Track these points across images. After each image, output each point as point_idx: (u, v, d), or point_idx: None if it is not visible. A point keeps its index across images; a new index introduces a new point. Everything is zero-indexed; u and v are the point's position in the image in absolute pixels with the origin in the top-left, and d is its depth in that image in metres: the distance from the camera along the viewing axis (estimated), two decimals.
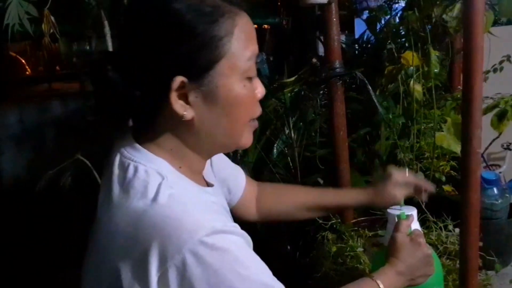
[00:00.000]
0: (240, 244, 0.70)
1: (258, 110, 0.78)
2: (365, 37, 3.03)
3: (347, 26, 6.81)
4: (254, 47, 0.73)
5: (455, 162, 1.94)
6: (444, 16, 1.82)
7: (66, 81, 7.48)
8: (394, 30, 2.40)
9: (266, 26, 6.86)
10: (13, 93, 6.33)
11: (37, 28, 2.31)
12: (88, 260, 0.76)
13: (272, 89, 2.01)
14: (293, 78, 1.87)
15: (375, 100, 1.71)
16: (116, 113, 0.76)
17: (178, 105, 0.70)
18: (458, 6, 1.76)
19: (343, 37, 6.61)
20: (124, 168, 0.72)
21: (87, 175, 2.41)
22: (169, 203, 0.68)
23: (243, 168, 1.32)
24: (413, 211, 1.09)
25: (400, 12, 2.77)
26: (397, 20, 2.76)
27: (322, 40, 2.04)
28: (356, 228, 1.67)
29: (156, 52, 0.66)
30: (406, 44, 2.40)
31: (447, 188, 1.89)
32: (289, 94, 2.08)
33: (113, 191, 0.72)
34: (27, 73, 9.55)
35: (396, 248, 0.93)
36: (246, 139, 0.78)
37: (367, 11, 2.94)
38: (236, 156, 2.17)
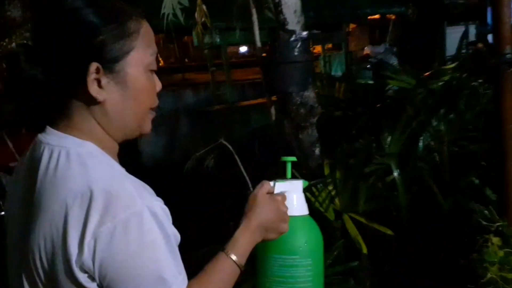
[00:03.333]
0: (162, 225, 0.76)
1: (156, 101, 0.86)
2: None
3: (477, 15, 6.18)
4: (154, 47, 0.84)
5: None
6: None
7: (198, 71, 7.85)
8: None
9: (389, 16, 6.49)
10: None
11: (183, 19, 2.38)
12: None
13: (423, 78, 1.81)
14: (453, 65, 1.66)
15: None
16: (32, 102, 0.83)
17: (92, 88, 0.76)
18: None
19: (473, 28, 6.01)
20: (53, 155, 0.77)
21: (228, 158, 2.45)
22: (110, 179, 0.74)
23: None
24: (296, 184, 0.97)
25: None
26: None
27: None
28: None
29: (76, 43, 0.76)
30: None
31: None
32: (439, 84, 1.86)
33: (46, 178, 0.76)
34: (160, 64, 10.22)
35: (252, 204, 0.92)
36: (147, 125, 0.85)
37: None
38: (380, 149, 2.02)
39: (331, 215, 2.05)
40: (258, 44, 2.13)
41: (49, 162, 0.76)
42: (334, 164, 2.07)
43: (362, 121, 2.12)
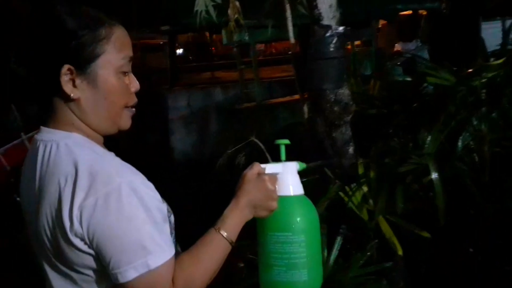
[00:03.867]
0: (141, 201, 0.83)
1: (132, 99, 0.93)
2: None
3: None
4: (127, 51, 0.90)
5: None
6: None
7: (226, 69, 7.86)
8: None
9: (421, 12, 6.29)
10: (182, 80, 6.84)
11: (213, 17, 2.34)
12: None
13: (464, 75, 1.72)
14: (500, 61, 1.56)
15: None
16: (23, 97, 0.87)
17: (66, 86, 0.85)
18: None
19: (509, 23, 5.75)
20: (47, 149, 0.87)
21: (259, 156, 2.42)
22: (92, 162, 0.83)
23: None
24: (289, 166, 0.98)
25: None
26: None
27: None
28: None
29: (51, 47, 0.86)
30: None
31: None
32: (481, 81, 1.76)
33: (42, 169, 0.86)
34: (190, 63, 10.25)
35: (241, 184, 0.95)
36: (125, 122, 0.92)
37: None
38: (416, 148, 1.94)
39: (365, 216, 1.98)
40: (292, 40, 2.07)
41: (43, 155, 0.87)
42: (368, 163, 2.00)
43: (398, 119, 2.03)
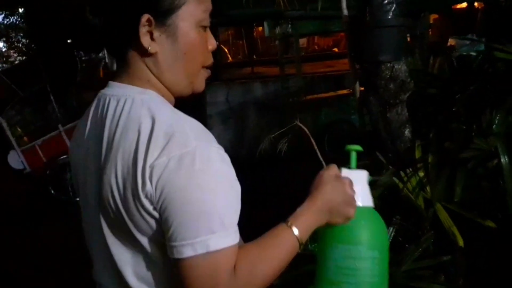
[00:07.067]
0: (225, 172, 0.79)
1: (209, 59, 0.89)
2: None
3: None
4: (208, 4, 0.86)
5: None
6: None
7: (265, 65, 7.87)
8: None
9: (477, 4, 6.08)
10: (222, 75, 6.89)
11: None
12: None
13: None
14: None
15: None
16: (95, 48, 0.93)
17: (144, 39, 0.82)
18: None
19: None
20: (119, 103, 0.83)
21: (301, 142, 2.37)
22: (170, 120, 0.79)
23: None
24: (361, 174, 0.93)
25: None
26: None
27: None
28: None
29: None
30: None
31: None
32: None
33: (113, 125, 0.81)
34: (228, 60, 10.34)
35: (318, 184, 0.90)
36: (200, 83, 0.89)
37: None
38: (480, 131, 1.82)
39: (421, 203, 1.88)
40: (345, 12, 2.00)
41: (116, 109, 0.82)
42: (426, 147, 1.90)
43: (461, 99, 1.93)
